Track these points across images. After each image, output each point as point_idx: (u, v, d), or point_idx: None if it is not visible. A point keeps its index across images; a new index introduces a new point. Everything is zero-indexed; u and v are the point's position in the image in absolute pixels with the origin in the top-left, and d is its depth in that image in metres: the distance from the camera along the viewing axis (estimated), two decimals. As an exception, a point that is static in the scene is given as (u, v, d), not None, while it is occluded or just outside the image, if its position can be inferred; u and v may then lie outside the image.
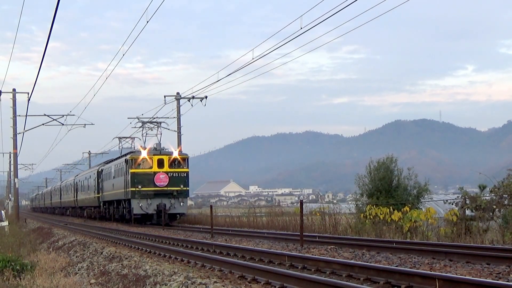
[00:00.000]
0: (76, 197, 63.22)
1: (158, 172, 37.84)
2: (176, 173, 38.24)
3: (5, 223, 36.03)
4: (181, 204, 38.20)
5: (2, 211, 53.67)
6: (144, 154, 38.11)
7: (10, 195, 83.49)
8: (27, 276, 16.23)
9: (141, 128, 42.41)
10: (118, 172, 42.07)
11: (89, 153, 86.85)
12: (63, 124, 49.21)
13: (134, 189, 37.79)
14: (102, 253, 20.18)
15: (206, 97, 42.97)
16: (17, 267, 17.34)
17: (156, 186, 37.76)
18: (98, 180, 50.18)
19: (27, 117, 48.39)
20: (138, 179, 37.83)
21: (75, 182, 64.53)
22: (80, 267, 18.43)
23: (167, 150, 39.00)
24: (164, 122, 44.24)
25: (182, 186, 38.13)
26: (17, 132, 48.05)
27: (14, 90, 47.51)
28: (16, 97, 47.72)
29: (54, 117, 49.16)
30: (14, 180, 50.74)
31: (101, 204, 49.13)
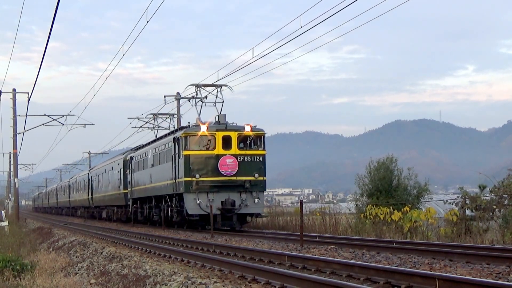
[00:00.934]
0: (91, 194, 54.27)
1: (223, 155, 27.59)
2: (249, 157, 28.14)
3: (5, 223, 36.02)
4: (256, 200, 27.98)
5: (2, 211, 53.65)
6: (203, 129, 27.70)
7: (10, 195, 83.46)
8: (27, 276, 16.21)
9: (194, 96, 31.68)
10: (161, 158, 31.87)
11: (89, 153, 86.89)
12: (63, 124, 49.14)
13: (189, 179, 27.45)
14: (102, 253, 20.17)
15: (206, 97, 42.19)
16: (17, 267, 17.32)
17: (220, 174, 27.55)
18: (125, 171, 40.57)
19: (27, 117, 48.35)
20: (194, 165, 27.55)
21: (89, 177, 55.63)
22: (80, 267, 18.41)
23: (234, 125, 28.75)
24: (225, 86, 31.97)
25: (257, 175, 28.16)
26: (17, 132, 47.99)
27: (14, 90, 47.47)
28: (16, 97, 47.67)
29: (54, 117, 49.10)
30: (14, 180, 50.67)
31: (130, 203, 38.98)
